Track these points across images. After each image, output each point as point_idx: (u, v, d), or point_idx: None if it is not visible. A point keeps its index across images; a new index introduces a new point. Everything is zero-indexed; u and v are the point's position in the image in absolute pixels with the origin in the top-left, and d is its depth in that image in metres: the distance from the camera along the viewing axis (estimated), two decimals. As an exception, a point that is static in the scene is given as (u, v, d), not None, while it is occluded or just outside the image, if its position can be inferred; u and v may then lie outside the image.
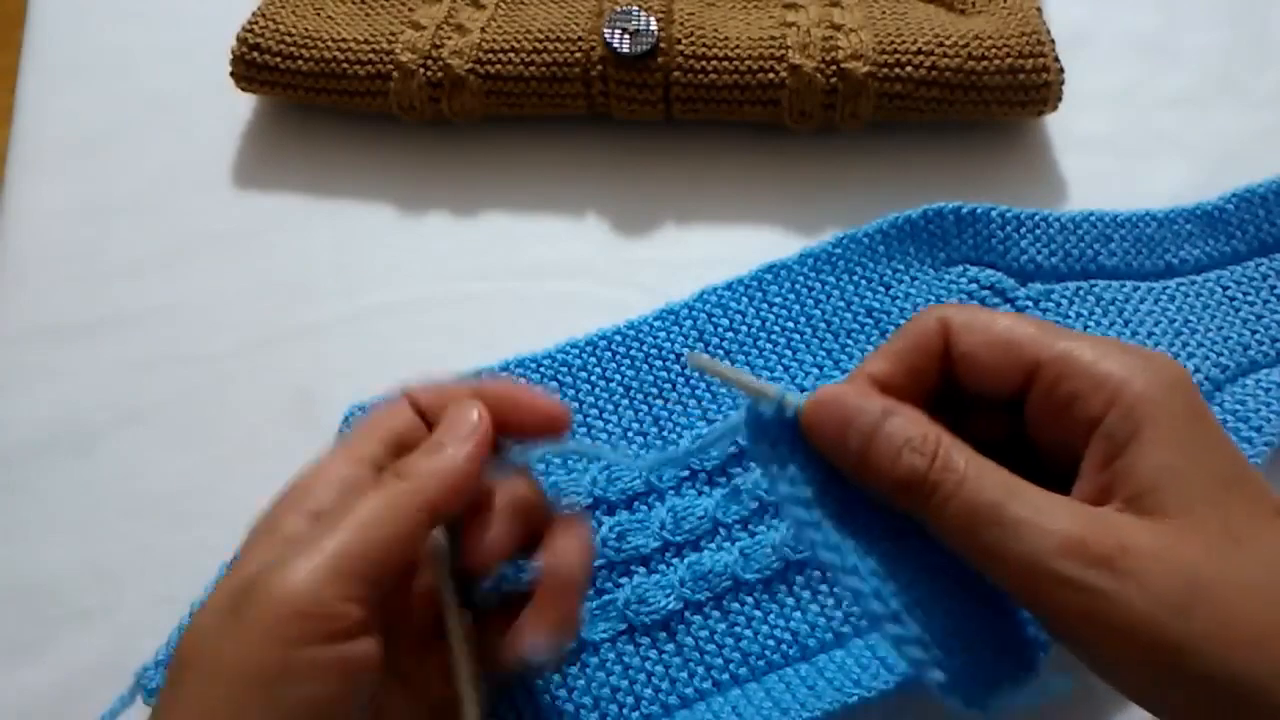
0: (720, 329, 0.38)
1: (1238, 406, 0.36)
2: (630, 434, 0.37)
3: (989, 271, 0.39)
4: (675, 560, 0.34)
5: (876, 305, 0.39)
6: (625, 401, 0.37)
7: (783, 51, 0.42)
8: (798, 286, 0.39)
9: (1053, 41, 0.42)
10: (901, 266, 0.40)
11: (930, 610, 0.24)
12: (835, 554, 0.24)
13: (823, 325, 0.39)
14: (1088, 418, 0.24)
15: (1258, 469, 0.35)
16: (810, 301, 0.39)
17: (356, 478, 0.28)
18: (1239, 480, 0.24)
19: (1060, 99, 0.42)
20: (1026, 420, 0.26)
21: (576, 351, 0.38)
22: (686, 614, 0.34)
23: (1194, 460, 0.23)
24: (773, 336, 0.38)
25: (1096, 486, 0.24)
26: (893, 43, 0.42)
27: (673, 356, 0.38)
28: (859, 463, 0.25)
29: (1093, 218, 0.40)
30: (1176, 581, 0.22)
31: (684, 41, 0.43)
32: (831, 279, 0.39)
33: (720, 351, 0.38)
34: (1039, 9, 0.44)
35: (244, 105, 0.47)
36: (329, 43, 0.44)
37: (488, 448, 0.28)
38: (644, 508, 0.35)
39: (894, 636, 0.24)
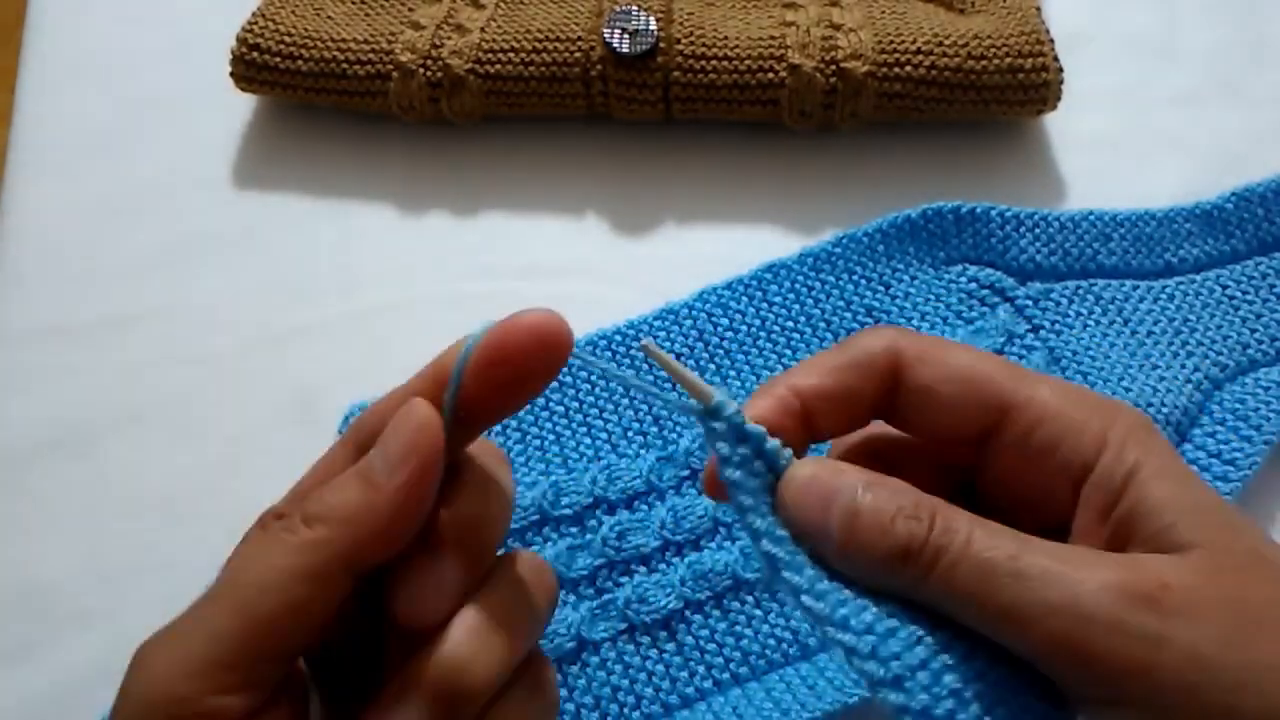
0: (720, 328, 0.38)
1: (1237, 405, 0.36)
2: (630, 434, 0.37)
3: (988, 270, 0.39)
4: (675, 559, 0.34)
5: (876, 304, 0.39)
6: (625, 401, 0.37)
7: (782, 51, 0.42)
8: (797, 286, 0.39)
9: (1052, 41, 0.42)
10: (901, 266, 0.40)
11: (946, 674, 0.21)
12: (823, 601, 0.21)
13: (822, 324, 0.39)
14: (1077, 464, 0.22)
15: (1257, 468, 0.35)
16: (810, 301, 0.39)
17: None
18: (1233, 512, 0.22)
19: (1060, 98, 0.42)
20: (987, 467, 0.24)
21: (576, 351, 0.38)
22: (687, 613, 0.34)
23: (1197, 492, 0.22)
24: (773, 336, 0.38)
25: (1099, 539, 0.22)
26: (892, 42, 0.42)
27: (673, 356, 0.38)
28: (846, 540, 0.22)
29: (1092, 217, 0.40)
30: (1226, 613, 0.20)
31: (683, 41, 0.43)
32: (831, 278, 0.39)
33: (720, 351, 0.38)
34: (1038, 8, 0.44)
35: (244, 105, 0.47)
36: (328, 43, 0.44)
37: (433, 470, 0.22)
38: (644, 507, 0.35)
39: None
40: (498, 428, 0.37)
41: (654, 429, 0.37)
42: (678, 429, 0.37)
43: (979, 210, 0.40)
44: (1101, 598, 0.20)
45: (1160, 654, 0.19)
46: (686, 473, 0.36)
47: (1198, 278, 0.40)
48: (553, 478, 0.36)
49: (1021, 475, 0.23)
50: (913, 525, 0.21)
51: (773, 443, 0.23)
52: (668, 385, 0.37)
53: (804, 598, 0.21)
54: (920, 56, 0.41)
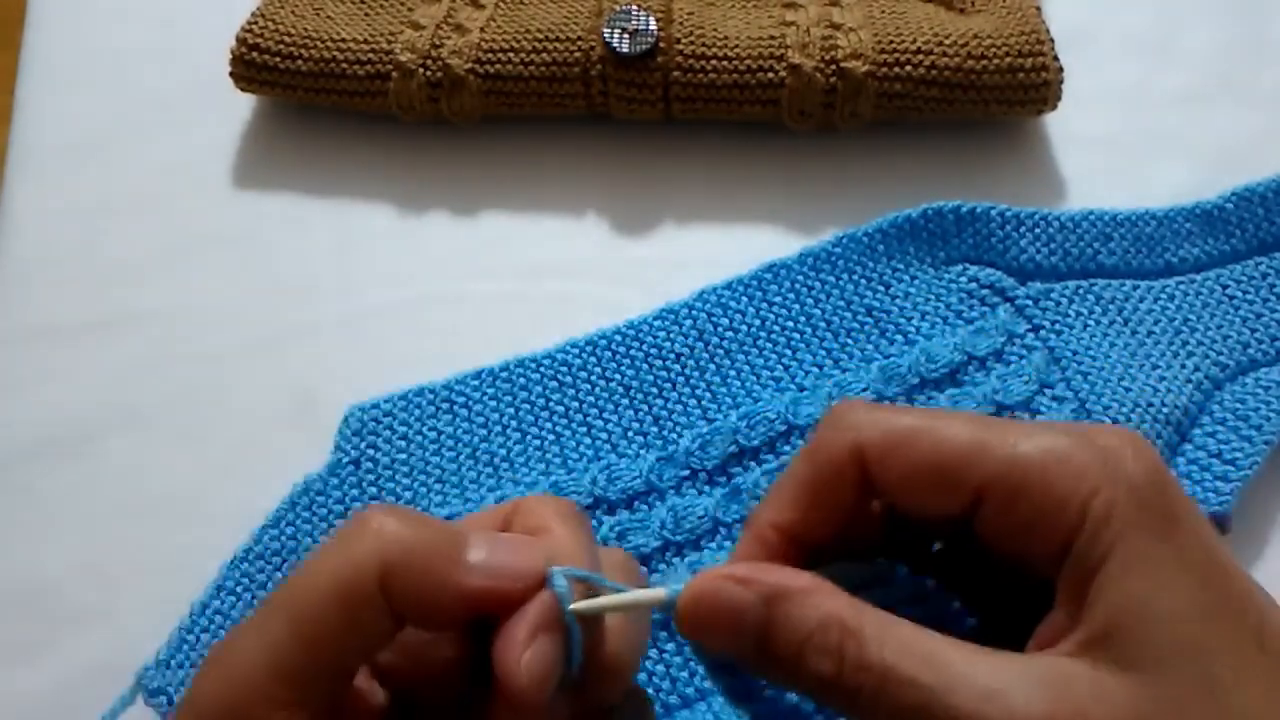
0: (720, 329, 0.38)
1: (1237, 405, 0.36)
2: (630, 434, 0.37)
3: (988, 270, 0.39)
4: (676, 560, 0.34)
5: (876, 304, 0.39)
6: (625, 401, 0.37)
7: (782, 51, 0.42)
8: (798, 286, 0.39)
9: (1052, 40, 0.42)
10: (901, 265, 0.40)
11: None
12: None
13: (823, 324, 0.39)
14: (1055, 544, 0.22)
15: (1257, 468, 0.35)
16: (810, 301, 0.39)
17: None
18: (1220, 605, 0.21)
19: (1060, 98, 0.42)
20: (978, 535, 0.24)
21: (576, 351, 0.38)
22: (687, 613, 0.34)
23: (1170, 587, 0.21)
24: (773, 336, 0.38)
25: (1078, 621, 0.21)
26: (892, 42, 0.42)
27: (673, 356, 0.38)
28: (761, 668, 0.22)
29: (1092, 216, 0.40)
30: None
31: (683, 41, 0.43)
32: (831, 278, 0.39)
33: (720, 351, 0.38)
34: (1038, 8, 0.44)
35: (244, 105, 0.47)
36: (328, 43, 0.44)
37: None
38: (644, 507, 0.35)
39: None
40: (497, 428, 0.37)
41: (654, 429, 0.37)
42: (678, 429, 0.37)
43: (979, 210, 0.40)
44: None
45: None
46: (686, 473, 0.36)
47: (1198, 277, 0.40)
48: (553, 478, 0.36)
49: (1009, 547, 0.23)
50: (822, 664, 0.21)
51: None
52: (667, 387, 0.37)
53: None
54: (920, 56, 0.41)
